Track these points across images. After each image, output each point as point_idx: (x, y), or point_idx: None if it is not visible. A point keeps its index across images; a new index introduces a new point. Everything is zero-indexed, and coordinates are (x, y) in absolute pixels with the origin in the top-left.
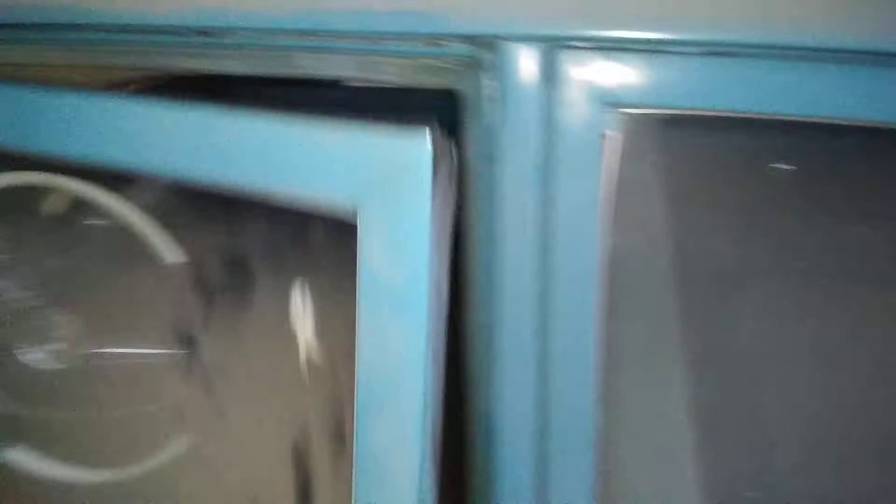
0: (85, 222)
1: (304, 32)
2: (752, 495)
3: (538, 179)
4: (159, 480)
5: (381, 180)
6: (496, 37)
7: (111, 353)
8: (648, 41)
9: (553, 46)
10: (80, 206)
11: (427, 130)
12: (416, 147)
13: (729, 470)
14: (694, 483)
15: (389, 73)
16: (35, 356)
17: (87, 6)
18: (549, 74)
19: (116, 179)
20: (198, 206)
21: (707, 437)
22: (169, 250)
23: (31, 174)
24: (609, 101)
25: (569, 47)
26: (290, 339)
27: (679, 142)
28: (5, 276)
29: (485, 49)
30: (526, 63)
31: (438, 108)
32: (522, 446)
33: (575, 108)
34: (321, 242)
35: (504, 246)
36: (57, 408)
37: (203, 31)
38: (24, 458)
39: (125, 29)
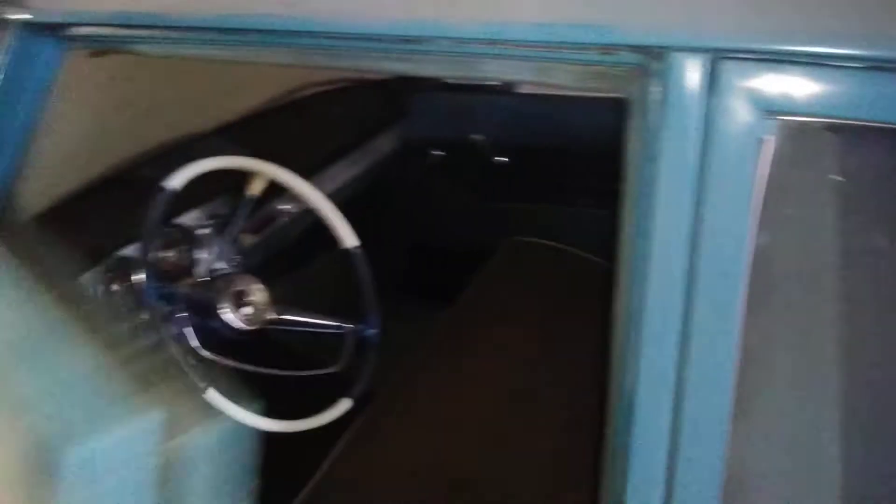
0: (278, 207)
1: (492, 41)
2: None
3: (694, 179)
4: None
5: None
6: (664, 47)
7: (292, 321)
8: (810, 55)
9: (717, 57)
10: (275, 191)
11: None
12: None
13: (869, 476)
14: (827, 487)
15: (563, 79)
16: (232, 316)
17: (313, 17)
18: (712, 82)
19: (311, 168)
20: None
21: (847, 440)
22: (348, 236)
23: (237, 159)
24: (768, 108)
25: (732, 58)
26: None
27: (835, 149)
28: (211, 246)
29: (653, 58)
30: (691, 72)
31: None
32: (658, 430)
33: (734, 114)
34: None
35: (657, 240)
36: (244, 362)
37: (407, 40)
38: (216, 399)
39: (342, 36)
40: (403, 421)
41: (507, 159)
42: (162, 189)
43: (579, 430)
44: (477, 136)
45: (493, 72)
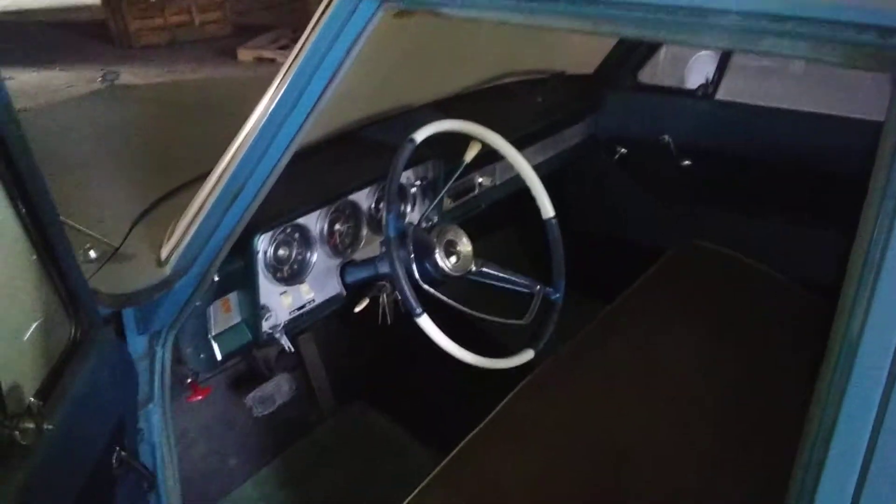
0: (478, 180)
1: (777, 17)
2: None
3: None
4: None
5: None
6: None
7: (490, 274)
8: None
9: None
10: (477, 166)
11: None
12: None
13: None
14: None
15: (835, 57)
16: (444, 261)
17: None
18: None
19: (523, 139)
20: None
21: None
22: (547, 207)
23: (472, 125)
24: None
25: None
26: None
27: None
28: (418, 203)
29: None
30: None
31: None
32: (879, 371)
33: None
34: None
35: None
36: (455, 299)
37: (693, 11)
38: (427, 324)
39: (629, 5)
40: (568, 388)
41: (691, 163)
42: (411, 140)
43: (735, 427)
44: (665, 138)
45: (769, 47)
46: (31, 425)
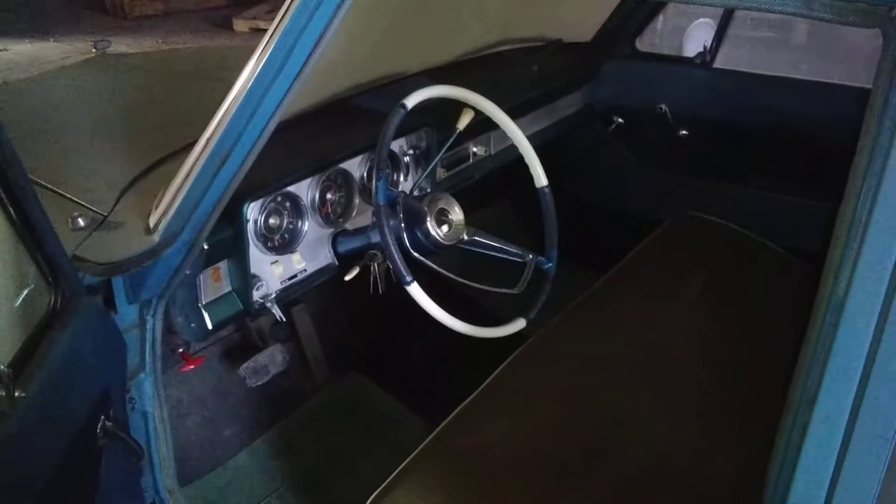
0: (472, 149)
1: None
2: None
3: None
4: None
5: None
6: None
7: (482, 242)
8: None
9: None
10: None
11: None
12: None
13: None
14: None
15: (824, 12)
16: (435, 230)
17: None
18: None
19: (518, 108)
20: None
21: None
22: (540, 176)
23: (464, 91)
24: None
25: None
26: None
27: None
28: (411, 172)
29: None
30: None
31: None
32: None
33: None
34: None
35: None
36: (448, 269)
37: None
38: (417, 293)
39: None
40: (561, 357)
41: (687, 132)
42: (403, 106)
43: (728, 394)
44: (662, 107)
45: (759, 2)
46: (2, 393)
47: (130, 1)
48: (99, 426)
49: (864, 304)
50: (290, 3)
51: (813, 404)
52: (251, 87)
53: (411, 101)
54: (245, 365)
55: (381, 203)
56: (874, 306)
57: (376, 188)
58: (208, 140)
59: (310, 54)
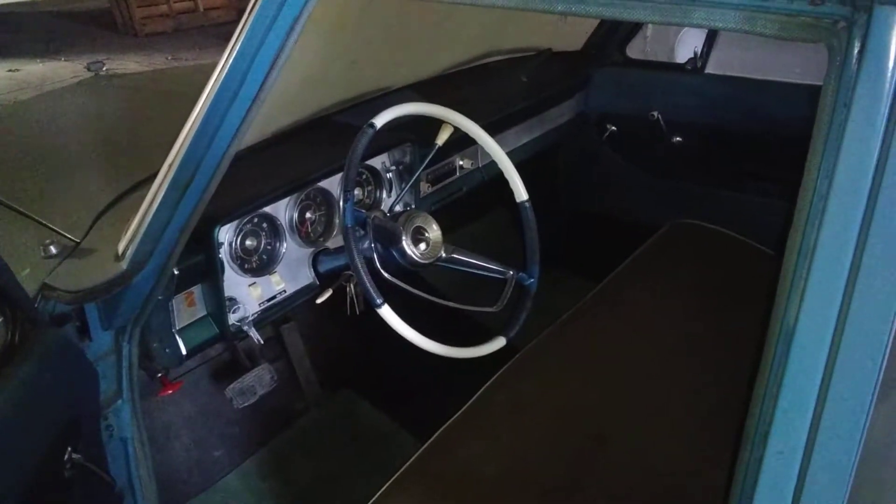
0: (458, 163)
1: None
2: None
3: (883, 129)
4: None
5: None
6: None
7: (461, 260)
8: None
9: None
10: (455, 148)
11: None
12: None
13: None
14: None
15: (768, 28)
16: (410, 249)
17: None
18: None
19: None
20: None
21: None
22: (520, 190)
23: (435, 107)
24: None
25: None
26: None
27: None
28: (394, 188)
29: (859, 10)
30: (895, 24)
31: None
32: (816, 355)
33: None
34: None
35: (841, 181)
36: (419, 288)
37: None
38: (388, 315)
39: None
40: (549, 372)
41: (681, 139)
42: (371, 125)
43: (721, 405)
44: (654, 115)
45: (700, 19)
46: None
47: (141, 19)
48: (66, 457)
49: (815, 332)
50: (242, 28)
51: (767, 438)
52: (208, 112)
53: (380, 120)
54: (231, 386)
55: (349, 225)
56: (825, 334)
57: (343, 210)
58: (170, 166)
59: (266, 75)
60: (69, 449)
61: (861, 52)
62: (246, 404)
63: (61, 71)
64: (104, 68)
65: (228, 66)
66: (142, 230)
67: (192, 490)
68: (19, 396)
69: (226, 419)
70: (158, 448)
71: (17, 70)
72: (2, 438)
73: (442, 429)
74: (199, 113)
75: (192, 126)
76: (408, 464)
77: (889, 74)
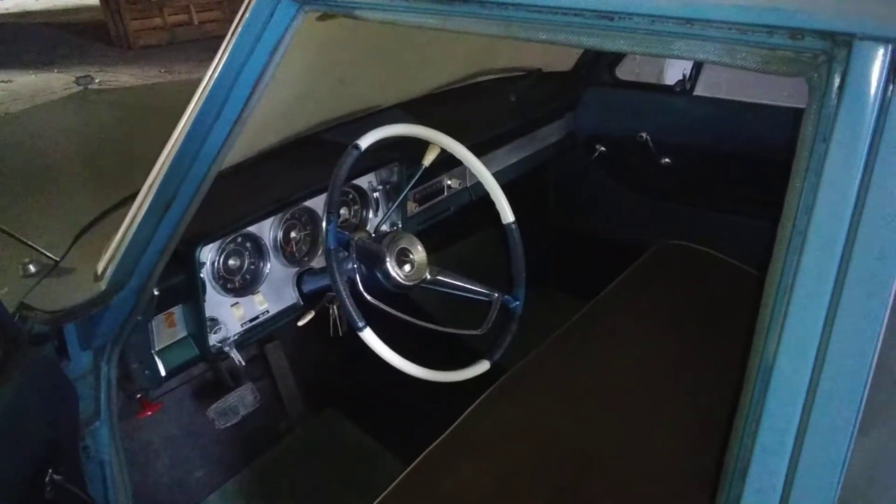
0: (446, 182)
1: (687, 20)
2: None
3: (863, 165)
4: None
5: None
6: (851, 35)
7: (446, 282)
8: None
9: None
10: (443, 168)
11: None
12: None
13: None
14: None
15: (748, 61)
16: (394, 271)
17: None
18: (894, 70)
19: (480, 148)
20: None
21: None
22: (507, 212)
23: (421, 128)
24: None
25: None
26: None
27: None
28: (380, 208)
29: (839, 45)
30: (875, 59)
31: None
32: (794, 392)
33: None
34: None
35: (821, 216)
36: (404, 309)
37: (603, 15)
38: (370, 338)
39: (543, 9)
40: (535, 394)
41: (670, 160)
42: (356, 147)
43: (706, 430)
44: (643, 136)
45: (681, 50)
46: None
47: (135, 31)
48: (47, 479)
49: (794, 368)
50: (226, 47)
51: (745, 475)
52: (190, 131)
53: (365, 141)
54: (213, 406)
55: (332, 247)
56: (804, 371)
57: (326, 231)
58: (151, 185)
59: (248, 97)
60: (50, 471)
61: (841, 86)
62: (228, 425)
63: (54, 83)
64: (95, 81)
65: (211, 84)
66: (121, 250)
67: None
68: (1, 415)
69: (207, 439)
70: (138, 468)
71: (10, 81)
72: None
73: (427, 450)
74: (181, 132)
75: (174, 145)
76: (392, 485)
77: (869, 109)
